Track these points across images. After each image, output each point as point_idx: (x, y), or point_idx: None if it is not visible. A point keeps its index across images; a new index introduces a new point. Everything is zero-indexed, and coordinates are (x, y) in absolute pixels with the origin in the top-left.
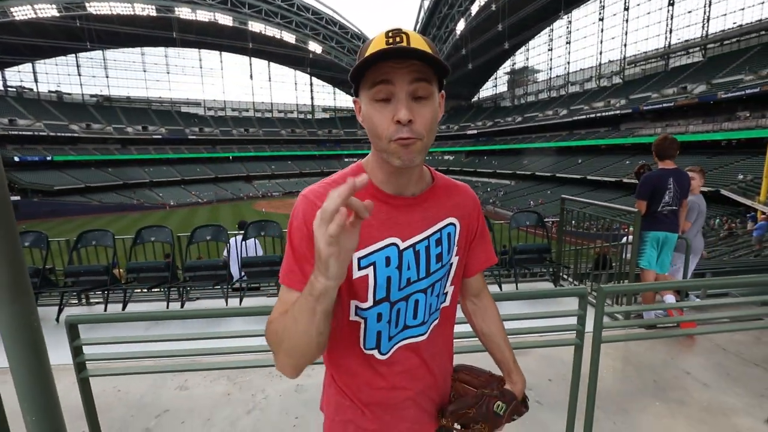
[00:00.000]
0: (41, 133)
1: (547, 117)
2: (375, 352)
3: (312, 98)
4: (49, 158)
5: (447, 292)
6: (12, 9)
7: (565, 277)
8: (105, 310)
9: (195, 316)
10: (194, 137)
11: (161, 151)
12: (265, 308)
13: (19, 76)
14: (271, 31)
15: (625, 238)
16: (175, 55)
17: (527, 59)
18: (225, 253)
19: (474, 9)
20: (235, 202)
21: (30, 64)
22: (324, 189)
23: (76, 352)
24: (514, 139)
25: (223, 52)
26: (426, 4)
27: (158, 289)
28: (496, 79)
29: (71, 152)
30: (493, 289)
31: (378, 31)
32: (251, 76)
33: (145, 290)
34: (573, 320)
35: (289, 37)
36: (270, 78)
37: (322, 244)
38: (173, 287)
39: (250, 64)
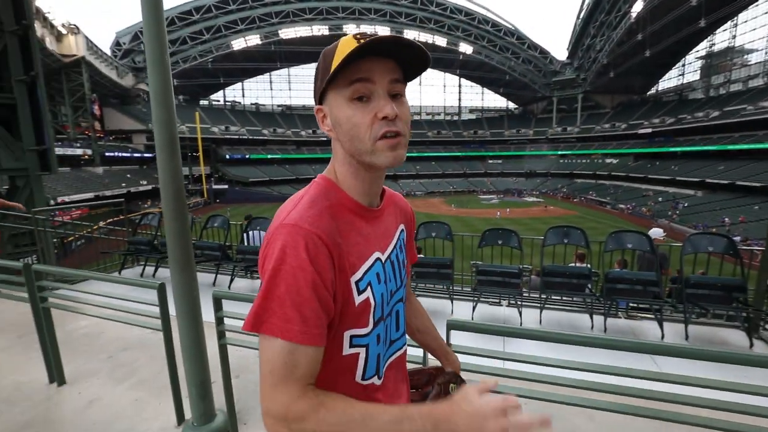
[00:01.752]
0: (243, 137)
1: (761, 110)
2: (374, 379)
3: (459, 99)
4: (247, 156)
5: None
6: (232, 42)
7: (767, 327)
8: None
9: None
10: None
11: (326, 151)
12: None
13: (232, 93)
14: (425, 37)
15: None
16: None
17: (733, 37)
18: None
19: None
20: None
21: (240, 83)
22: (317, 215)
23: (218, 321)
24: (706, 140)
25: None
26: None
27: None
28: (684, 66)
29: (262, 152)
30: (651, 329)
31: (535, 21)
32: None
33: None
34: None
35: (441, 41)
36: (420, 82)
37: None
38: None
39: None
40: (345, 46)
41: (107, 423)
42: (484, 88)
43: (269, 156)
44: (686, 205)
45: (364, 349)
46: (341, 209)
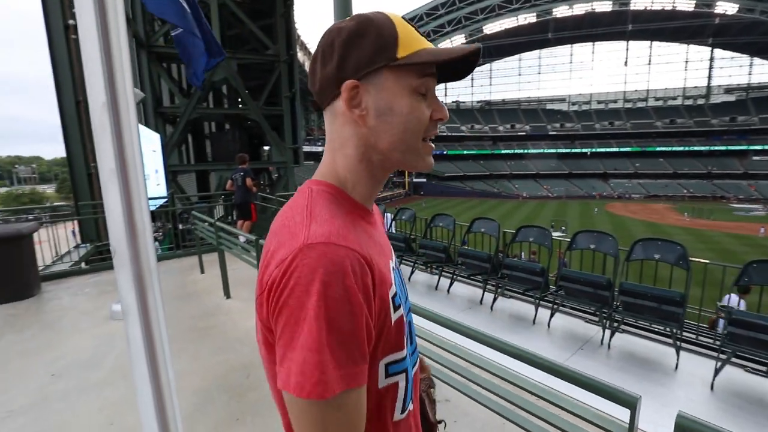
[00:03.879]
0: (443, 134)
1: None
2: (411, 406)
3: (709, 77)
4: (444, 152)
5: None
6: (439, 45)
7: None
8: (437, 282)
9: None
10: (554, 133)
11: (523, 146)
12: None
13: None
14: (660, 4)
15: None
16: (547, 55)
17: None
18: None
19: None
20: (585, 200)
21: (444, 84)
22: (345, 227)
23: None
24: None
25: (595, 43)
26: None
27: (479, 278)
28: None
29: (458, 147)
30: None
31: None
32: (626, 63)
33: (464, 277)
34: None
35: (686, 4)
36: (650, 61)
37: None
38: (491, 280)
39: (627, 49)
40: (407, 29)
41: None
42: (755, 58)
43: (465, 152)
44: None
45: (404, 375)
46: (354, 218)
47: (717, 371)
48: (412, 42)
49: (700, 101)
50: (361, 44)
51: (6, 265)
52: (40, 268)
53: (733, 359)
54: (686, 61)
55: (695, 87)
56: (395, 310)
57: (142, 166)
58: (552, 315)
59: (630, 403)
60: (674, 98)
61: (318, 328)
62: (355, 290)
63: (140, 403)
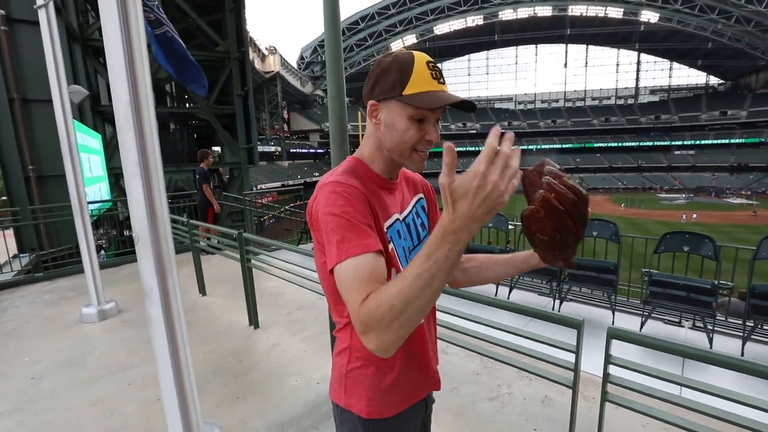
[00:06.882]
0: None
1: None
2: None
3: (637, 79)
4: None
5: None
6: (391, 45)
7: None
8: None
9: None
10: (502, 131)
11: (474, 144)
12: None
13: None
14: (594, 10)
15: None
16: (495, 56)
17: None
18: None
19: None
20: None
21: None
22: (351, 178)
23: None
24: None
25: (538, 45)
26: None
27: None
28: None
29: None
30: None
31: None
32: (565, 65)
33: None
34: None
35: (615, 12)
36: (586, 63)
37: (502, 195)
38: None
39: (566, 52)
40: (422, 72)
41: (283, 364)
42: (674, 63)
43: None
44: None
45: None
46: (367, 181)
47: (642, 324)
48: (421, 83)
49: (630, 101)
50: (385, 78)
51: None
52: None
53: (654, 314)
54: (617, 64)
55: (626, 88)
56: (389, 243)
57: (161, 160)
58: (510, 291)
59: (576, 324)
60: (608, 98)
61: (332, 225)
62: (352, 201)
63: (161, 373)
